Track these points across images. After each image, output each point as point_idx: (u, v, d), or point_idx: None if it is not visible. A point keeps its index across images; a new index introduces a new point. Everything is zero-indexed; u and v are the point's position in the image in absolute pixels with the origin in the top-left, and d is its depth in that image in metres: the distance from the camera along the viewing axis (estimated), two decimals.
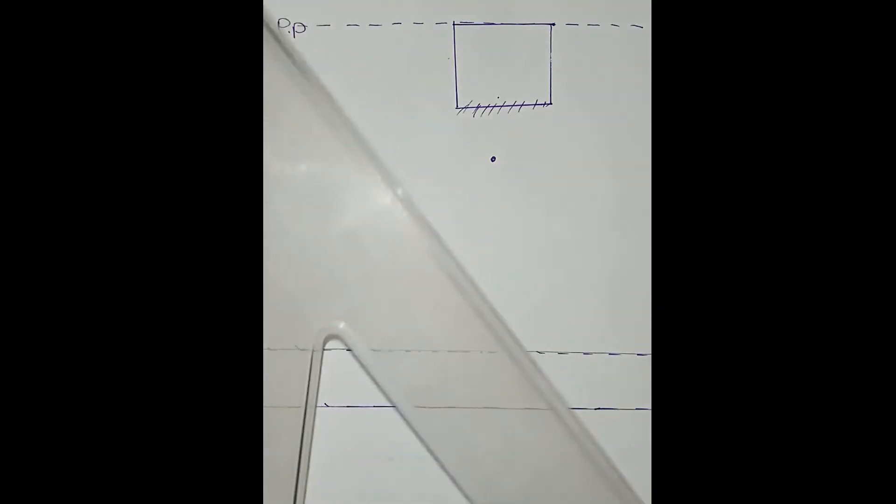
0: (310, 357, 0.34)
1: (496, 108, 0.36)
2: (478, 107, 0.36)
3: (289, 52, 0.33)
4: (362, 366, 0.35)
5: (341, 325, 0.35)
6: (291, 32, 0.36)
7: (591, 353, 0.36)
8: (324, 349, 0.35)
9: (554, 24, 0.36)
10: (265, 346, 0.34)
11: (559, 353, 0.36)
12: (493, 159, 0.36)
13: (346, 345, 0.35)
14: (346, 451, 0.36)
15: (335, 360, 0.36)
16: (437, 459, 0.35)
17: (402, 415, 0.35)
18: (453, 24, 0.36)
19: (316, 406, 0.35)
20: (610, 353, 0.36)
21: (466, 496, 0.35)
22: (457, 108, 0.36)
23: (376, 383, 0.35)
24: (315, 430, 0.36)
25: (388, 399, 0.35)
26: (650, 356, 0.36)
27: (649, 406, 0.36)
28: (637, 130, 0.35)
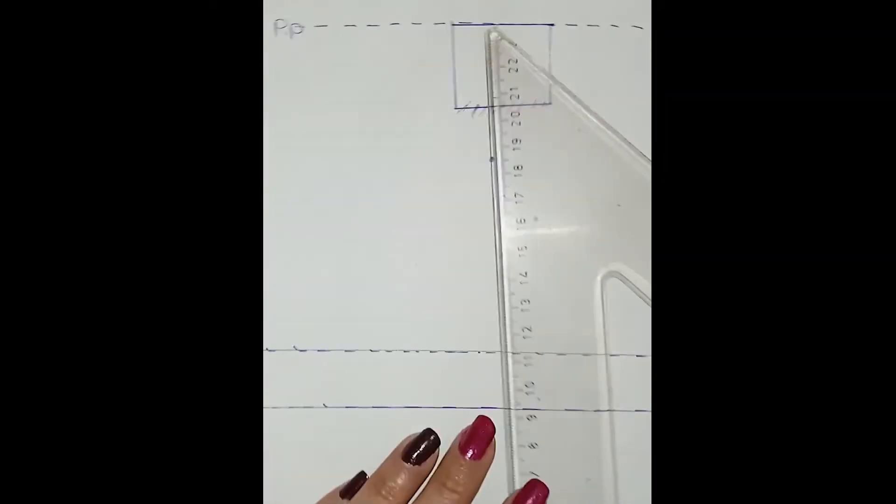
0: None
1: (495, 108, 0.36)
2: (476, 107, 0.36)
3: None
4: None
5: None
6: (289, 33, 0.36)
7: (590, 354, 0.36)
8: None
9: (553, 25, 0.36)
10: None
11: (558, 355, 0.36)
12: (491, 159, 0.36)
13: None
14: (345, 449, 0.36)
15: (335, 360, 0.36)
16: None
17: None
18: (452, 25, 0.36)
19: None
20: (610, 355, 0.36)
21: None
22: (455, 107, 0.36)
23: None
24: (315, 429, 0.36)
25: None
26: (650, 357, 0.36)
27: (649, 407, 0.36)
28: (637, 131, 0.35)
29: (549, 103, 0.36)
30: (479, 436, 0.34)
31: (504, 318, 0.36)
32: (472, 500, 0.34)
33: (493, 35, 0.35)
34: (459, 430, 0.35)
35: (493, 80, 0.35)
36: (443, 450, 0.34)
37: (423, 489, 0.34)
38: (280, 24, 0.36)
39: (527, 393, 0.36)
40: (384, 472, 0.34)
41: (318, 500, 0.35)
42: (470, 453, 0.33)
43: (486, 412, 0.36)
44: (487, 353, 0.36)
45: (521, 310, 0.36)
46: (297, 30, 0.36)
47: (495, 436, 0.35)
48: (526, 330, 0.36)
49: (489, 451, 0.34)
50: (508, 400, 0.36)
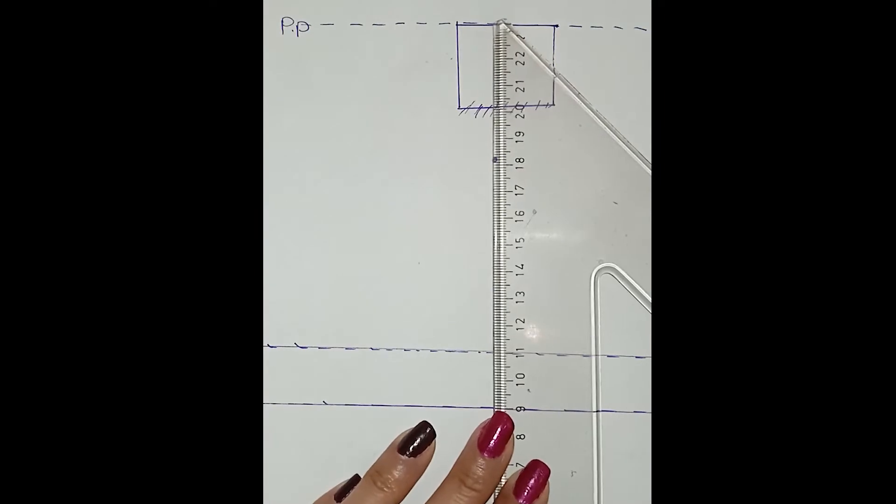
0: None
1: (498, 109, 0.36)
2: (480, 107, 0.36)
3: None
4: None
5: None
6: (295, 31, 0.36)
7: (589, 356, 0.36)
8: None
9: (557, 26, 0.36)
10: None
11: (558, 356, 0.36)
12: (494, 160, 0.36)
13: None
14: (344, 446, 0.36)
15: (336, 358, 0.36)
16: None
17: None
18: (457, 25, 0.36)
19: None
20: (608, 356, 0.36)
21: None
22: (459, 108, 0.36)
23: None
24: (314, 426, 0.36)
25: None
26: (650, 359, 0.36)
27: (649, 409, 0.36)
28: (639, 132, 0.36)
29: (553, 104, 0.36)
30: (498, 432, 0.34)
31: (499, 308, 0.36)
32: (490, 496, 0.34)
33: (502, 27, 0.35)
34: (461, 428, 0.35)
35: (500, 72, 0.36)
36: (445, 448, 0.34)
37: (442, 485, 0.34)
38: (286, 21, 0.36)
39: (517, 384, 0.36)
40: (381, 465, 0.34)
41: (314, 500, 0.35)
42: (488, 450, 0.33)
43: (485, 412, 0.36)
44: (487, 352, 0.36)
45: (516, 301, 0.36)
46: (304, 28, 0.36)
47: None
48: (519, 321, 0.36)
49: (508, 447, 0.34)
50: (499, 389, 0.36)
